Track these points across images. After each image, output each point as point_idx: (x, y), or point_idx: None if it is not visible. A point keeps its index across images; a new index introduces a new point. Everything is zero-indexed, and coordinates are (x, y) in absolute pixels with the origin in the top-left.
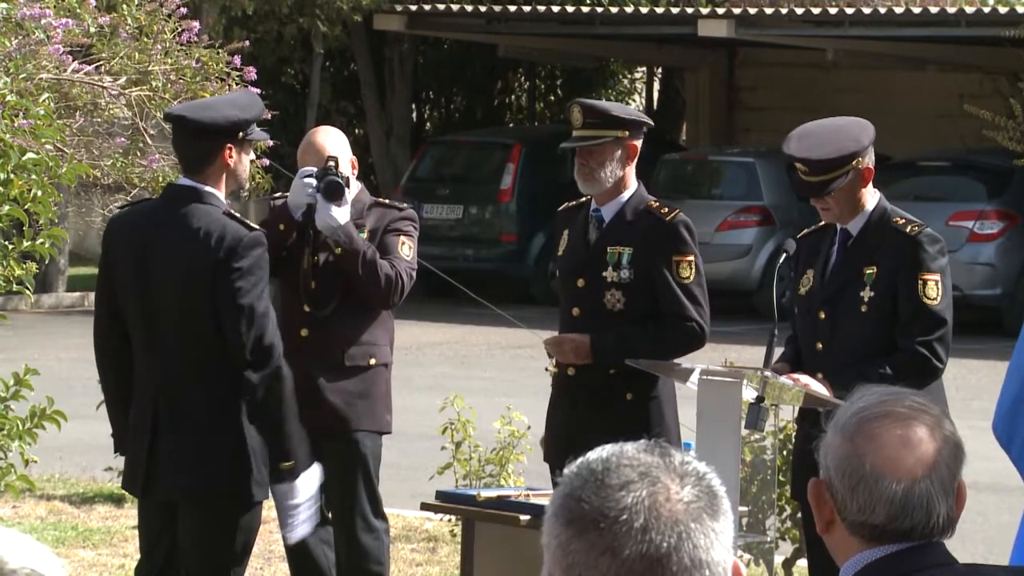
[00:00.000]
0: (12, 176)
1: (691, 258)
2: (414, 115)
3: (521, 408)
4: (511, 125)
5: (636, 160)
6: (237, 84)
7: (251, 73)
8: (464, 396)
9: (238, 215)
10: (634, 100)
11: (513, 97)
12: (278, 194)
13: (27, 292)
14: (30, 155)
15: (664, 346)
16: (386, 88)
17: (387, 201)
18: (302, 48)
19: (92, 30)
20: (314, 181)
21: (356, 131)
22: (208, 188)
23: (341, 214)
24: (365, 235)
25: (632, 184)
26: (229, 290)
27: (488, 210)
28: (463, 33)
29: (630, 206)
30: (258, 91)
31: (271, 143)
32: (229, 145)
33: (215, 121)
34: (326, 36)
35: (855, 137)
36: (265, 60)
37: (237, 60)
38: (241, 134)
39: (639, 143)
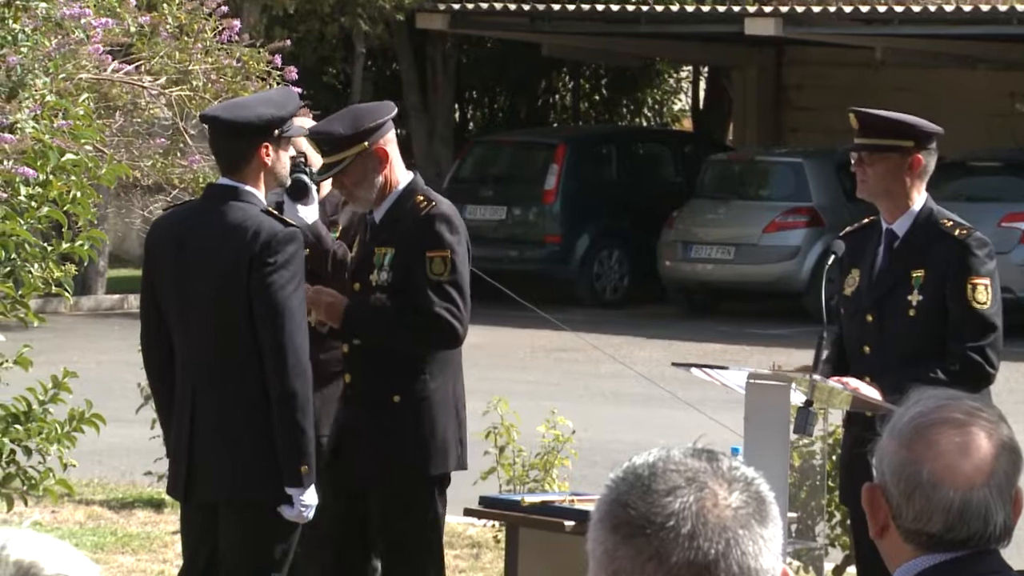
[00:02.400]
0: (51, 177)
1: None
2: (457, 115)
3: (566, 412)
4: (555, 125)
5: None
6: (278, 84)
7: (292, 73)
8: (508, 399)
9: (276, 212)
10: (679, 100)
11: (557, 97)
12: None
13: (66, 294)
14: (69, 156)
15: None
16: (429, 88)
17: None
18: (344, 47)
19: (132, 29)
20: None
21: (398, 131)
22: (247, 187)
23: (309, 213)
24: (337, 234)
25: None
26: (262, 286)
27: (532, 211)
28: (506, 32)
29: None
30: (299, 91)
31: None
32: (265, 143)
33: (249, 120)
34: (368, 35)
35: (917, 120)
36: (306, 59)
37: (278, 59)
38: (277, 131)
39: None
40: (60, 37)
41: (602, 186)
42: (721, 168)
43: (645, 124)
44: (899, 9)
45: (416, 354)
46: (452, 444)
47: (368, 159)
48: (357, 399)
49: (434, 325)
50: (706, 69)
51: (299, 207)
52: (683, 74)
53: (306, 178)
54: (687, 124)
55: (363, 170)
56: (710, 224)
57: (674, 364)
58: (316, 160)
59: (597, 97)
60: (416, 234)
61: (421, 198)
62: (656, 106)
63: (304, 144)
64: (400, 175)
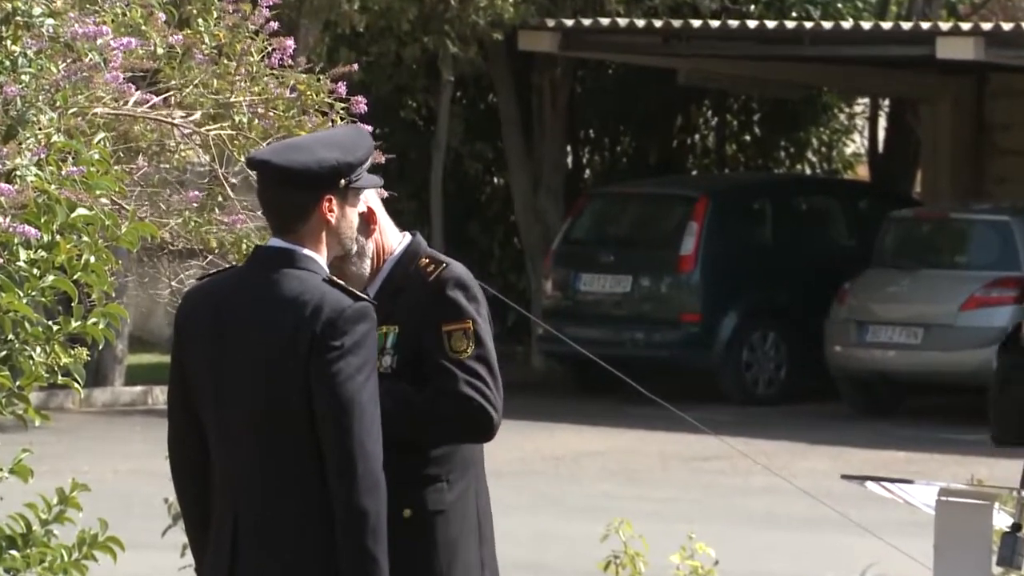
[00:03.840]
0: (58, 238)
1: None
2: (570, 160)
3: (706, 537)
4: (694, 173)
5: None
6: (343, 120)
7: (361, 105)
8: (632, 521)
9: (342, 283)
10: (853, 141)
11: (697, 137)
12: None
13: (75, 386)
14: (81, 211)
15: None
16: (534, 125)
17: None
18: (426, 74)
19: (159, 51)
20: None
21: (495, 180)
22: (305, 251)
23: None
24: None
25: None
26: (325, 376)
27: (665, 282)
28: (633, 55)
29: None
30: (370, 128)
31: (385, 194)
32: (328, 196)
33: (308, 166)
34: (457, 59)
35: None
36: (379, 89)
37: (343, 89)
38: (343, 181)
39: None
40: (70, 62)
41: (754, 250)
42: (906, 228)
43: (809, 172)
44: None
45: (430, 455)
46: (474, 568)
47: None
48: None
49: (462, 410)
50: (887, 102)
51: None
52: (857, 108)
53: None
54: (862, 172)
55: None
56: (892, 299)
57: (844, 477)
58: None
59: (747, 137)
60: (426, 305)
61: (426, 261)
62: (823, 149)
63: (371, 196)
64: (393, 238)
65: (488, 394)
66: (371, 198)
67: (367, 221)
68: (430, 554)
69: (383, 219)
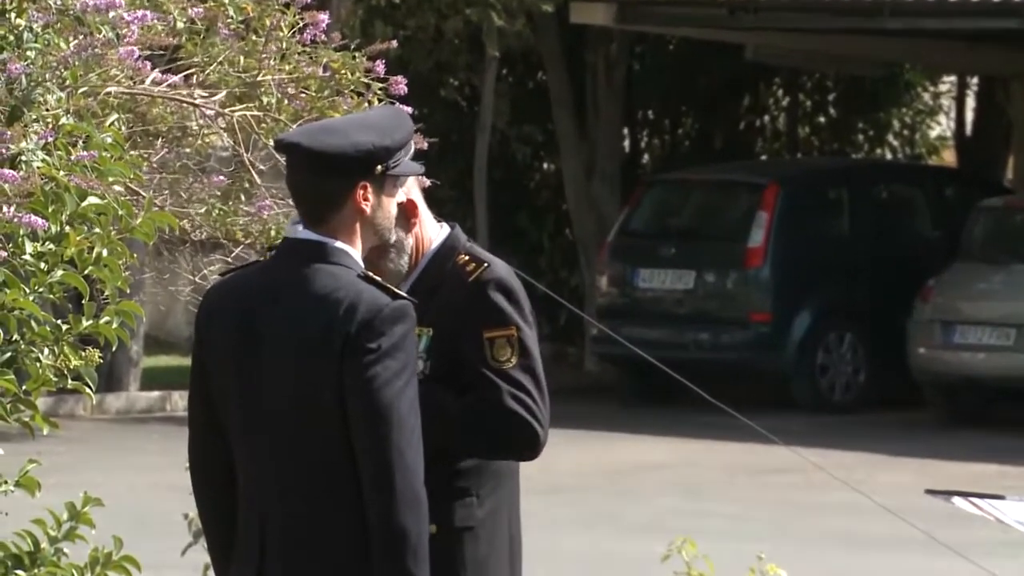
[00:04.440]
0: (67, 229)
1: None
2: (627, 144)
3: (778, 557)
4: (763, 158)
5: None
6: (380, 100)
7: (400, 85)
8: (696, 540)
9: (379, 279)
10: (938, 123)
11: (766, 119)
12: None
13: (87, 391)
14: (92, 200)
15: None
16: (587, 106)
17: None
18: (469, 50)
19: (179, 26)
20: None
21: (544, 166)
22: (337, 243)
23: None
24: None
25: None
26: (360, 381)
27: (731, 278)
28: (696, 28)
29: None
30: (409, 110)
31: (427, 182)
32: (363, 183)
33: (342, 150)
34: (503, 33)
35: None
36: (418, 66)
37: (380, 67)
38: (380, 167)
39: None
40: (81, 37)
41: (829, 243)
42: (996, 218)
43: (890, 156)
44: None
45: (460, 466)
46: None
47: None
48: None
49: (506, 425)
50: (975, 81)
51: None
52: (943, 87)
53: None
54: (948, 157)
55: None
56: (981, 297)
57: (929, 492)
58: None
59: (822, 119)
60: (466, 308)
61: (466, 259)
62: (905, 132)
63: (412, 187)
64: (431, 230)
65: (534, 408)
66: (412, 188)
67: (407, 214)
68: (457, 574)
69: (423, 211)
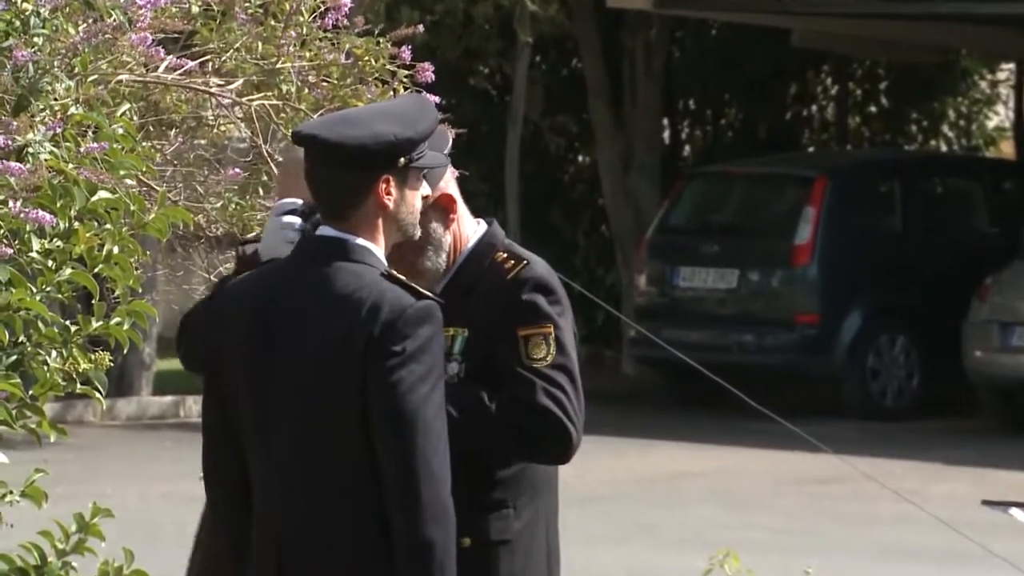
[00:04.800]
0: (76, 225)
1: None
2: (667, 135)
3: (826, 573)
4: (811, 150)
5: None
6: (405, 89)
7: (426, 73)
8: (739, 554)
9: (403, 278)
10: (996, 112)
11: (814, 108)
12: (250, 236)
13: (97, 396)
14: (103, 194)
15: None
16: (625, 94)
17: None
18: (501, 36)
19: (195, 10)
20: (298, 220)
21: (579, 159)
22: (359, 240)
23: None
24: None
25: None
26: (384, 385)
27: (777, 276)
28: (740, 13)
29: None
30: (435, 99)
31: (455, 173)
32: (386, 177)
33: (362, 142)
34: (536, 18)
35: None
36: (446, 53)
37: (406, 54)
38: (403, 160)
39: None
40: (91, 23)
41: (881, 240)
42: None
43: (945, 148)
44: None
45: (495, 476)
46: None
47: (429, 210)
48: None
49: (538, 424)
50: None
51: None
52: (1001, 75)
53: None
54: (1007, 148)
55: (425, 226)
56: None
57: (986, 503)
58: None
59: (873, 108)
60: (502, 307)
61: (504, 256)
62: (961, 122)
63: (449, 181)
64: (469, 227)
65: (568, 408)
66: (450, 182)
67: (445, 209)
68: None
69: (461, 206)
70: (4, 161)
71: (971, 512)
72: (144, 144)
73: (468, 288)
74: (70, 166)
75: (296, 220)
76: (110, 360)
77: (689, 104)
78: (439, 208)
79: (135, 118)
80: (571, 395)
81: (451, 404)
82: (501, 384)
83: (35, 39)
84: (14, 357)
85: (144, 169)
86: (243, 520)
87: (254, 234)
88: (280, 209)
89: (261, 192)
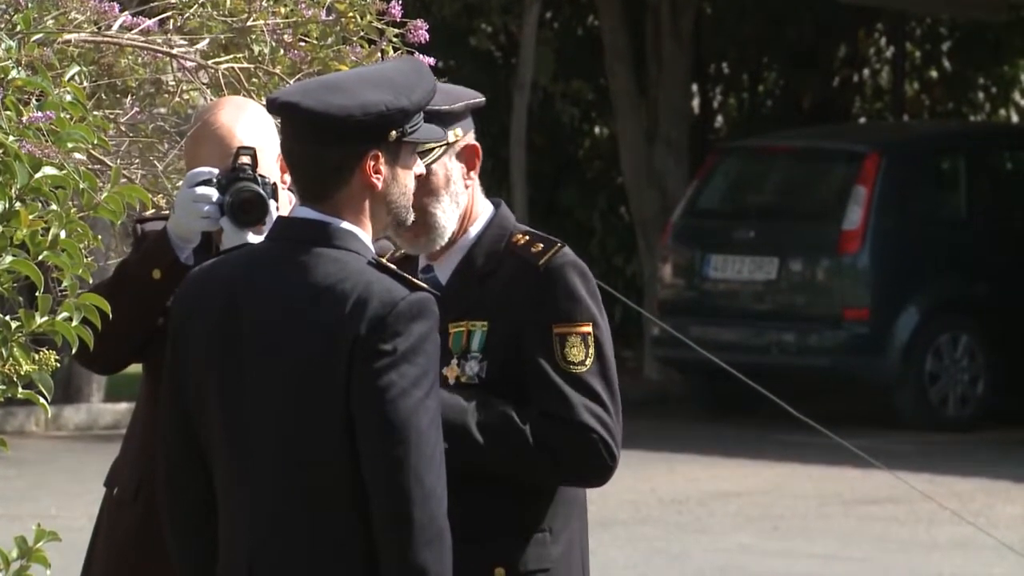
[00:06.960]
0: (18, 206)
1: None
2: (696, 103)
3: None
4: (862, 121)
5: None
6: (395, 50)
7: (420, 31)
8: None
9: (394, 267)
10: None
11: (866, 72)
12: (149, 213)
13: (41, 402)
14: (48, 170)
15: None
16: (648, 58)
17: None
18: None
19: None
20: (214, 192)
21: (596, 131)
22: (343, 224)
23: None
24: None
25: None
26: (371, 390)
27: (822, 266)
28: None
29: None
30: (431, 62)
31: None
32: (374, 152)
33: (348, 112)
34: None
35: None
36: (444, 10)
37: (396, 9)
38: (395, 133)
39: None
40: None
41: (942, 224)
42: None
43: (1016, 119)
44: None
45: (527, 496)
46: None
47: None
48: None
49: (576, 444)
50: None
51: (249, 237)
52: None
53: (259, 189)
54: None
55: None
56: None
57: None
58: (272, 163)
59: (934, 74)
60: (532, 297)
61: (524, 239)
62: None
63: (247, 134)
64: (480, 203)
65: (610, 424)
66: (469, 133)
67: (468, 162)
68: None
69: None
70: None
71: None
72: (96, 113)
73: (485, 275)
74: (10, 138)
75: (211, 192)
76: (56, 361)
77: (722, 69)
78: (465, 159)
79: (85, 83)
80: (611, 410)
81: (475, 424)
82: (527, 385)
83: None
84: None
85: (95, 142)
86: (202, 539)
87: (151, 212)
88: (192, 180)
89: None
